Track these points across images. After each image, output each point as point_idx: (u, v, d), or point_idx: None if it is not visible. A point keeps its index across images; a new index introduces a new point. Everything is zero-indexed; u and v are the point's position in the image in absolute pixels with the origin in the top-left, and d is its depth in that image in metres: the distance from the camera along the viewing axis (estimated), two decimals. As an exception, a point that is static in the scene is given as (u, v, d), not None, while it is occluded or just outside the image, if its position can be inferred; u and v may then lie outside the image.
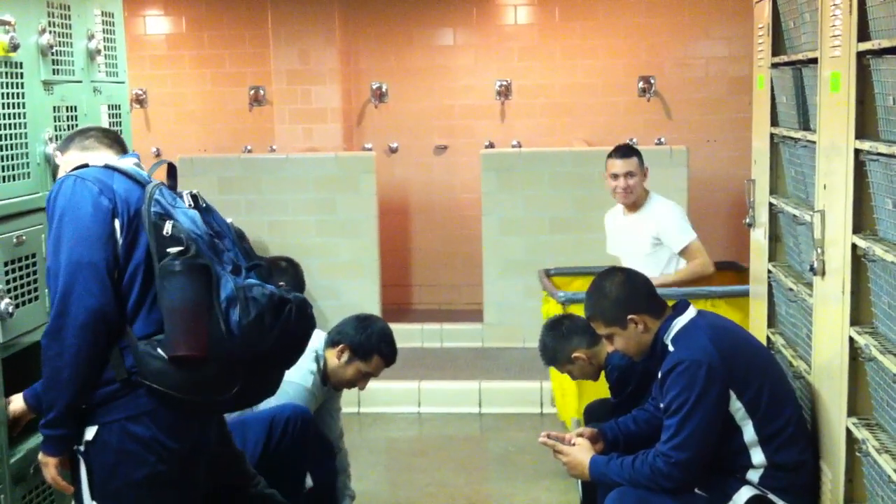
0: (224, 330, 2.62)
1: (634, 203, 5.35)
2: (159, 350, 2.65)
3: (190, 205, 2.79)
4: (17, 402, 3.07)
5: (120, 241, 2.71)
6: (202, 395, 2.73)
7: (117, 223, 2.71)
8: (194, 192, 2.86)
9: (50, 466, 2.79)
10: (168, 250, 2.61)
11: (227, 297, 2.64)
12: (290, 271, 4.51)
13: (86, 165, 2.82)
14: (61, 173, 2.95)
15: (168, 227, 2.65)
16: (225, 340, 2.63)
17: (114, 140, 3.03)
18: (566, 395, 5.20)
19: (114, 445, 2.73)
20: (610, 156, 5.32)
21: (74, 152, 2.97)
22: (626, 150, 5.32)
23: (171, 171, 2.92)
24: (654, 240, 5.29)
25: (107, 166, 2.81)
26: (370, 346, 3.96)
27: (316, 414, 4.00)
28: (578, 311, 4.88)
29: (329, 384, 4.06)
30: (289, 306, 2.73)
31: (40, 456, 2.81)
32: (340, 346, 3.94)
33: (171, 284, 2.61)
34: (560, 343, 4.20)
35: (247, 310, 2.64)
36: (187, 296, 2.61)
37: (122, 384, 2.72)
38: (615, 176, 5.26)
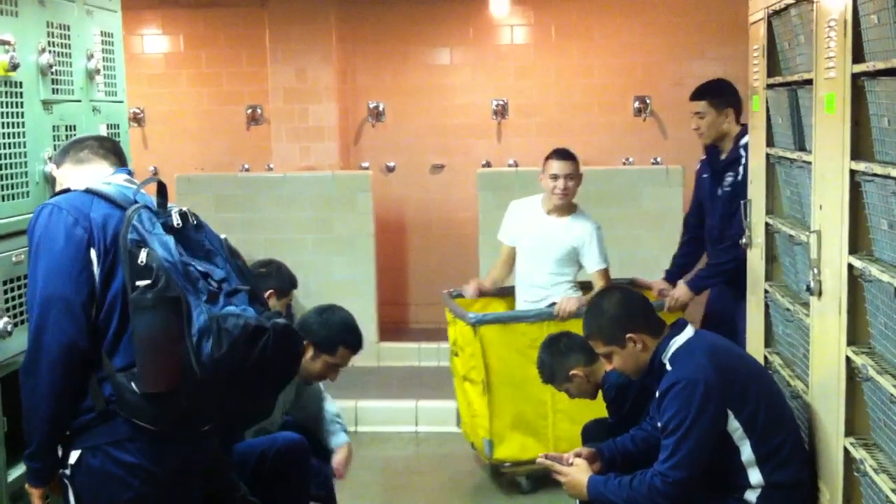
0: (195, 363, 2.56)
1: (565, 207, 5.34)
2: (133, 384, 2.61)
3: (178, 224, 2.72)
4: None
5: (97, 271, 2.67)
6: (178, 429, 2.71)
7: (93, 253, 2.67)
8: (184, 209, 2.80)
9: (35, 497, 2.79)
10: (137, 283, 2.56)
11: (199, 330, 2.57)
12: (273, 275, 4.39)
13: (68, 190, 2.79)
14: (58, 187, 2.94)
15: (143, 256, 2.58)
16: (196, 374, 2.56)
17: (109, 150, 2.98)
18: (476, 416, 5.18)
19: (97, 469, 2.72)
20: (551, 157, 5.30)
21: (69, 166, 2.94)
22: (568, 154, 5.31)
23: (161, 189, 2.85)
24: (572, 250, 5.27)
25: (88, 190, 2.76)
26: (333, 339, 3.96)
27: (305, 407, 3.99)
28: (489, 332, 5.00)
29: (299, 378, 4.01)
30: (266, 335, 2.65)
31: (27, 486, 2.81)
32: (304, 343, 3.90)
33: (141, 319, 2.56)
34: (558, 360, 4.20)
35: (219, 342, 2.57)
36: (157, 331, 2.55)
37: (101, 413, 2.70)
38: (555, 177, 5.23)
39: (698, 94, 5.07)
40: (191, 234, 2.76)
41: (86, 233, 2.67)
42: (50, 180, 3.05)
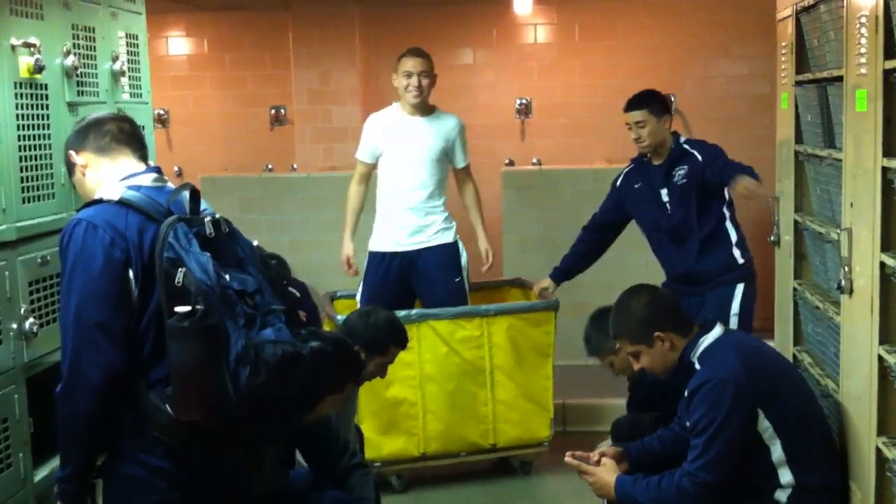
0: (232, 392, 2.50)
1: (425, 106, 5.28)
2: (167, 407, 2.56)
3: (210, 233, 2.64)
4: None
5: (135, 291, 2.61)
6: (207, 456, 2.68)
7: (131, 273, 2.60)
8: (217, 216, 2.72)
9: None
10: (176, 309, 2.48)
11: (236, 357, 2.51)
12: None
13: (100, 200, 2.69)
14: (79, 175, 2.82)
15: (179, 277, 2.50)
16: (232, 402, 2.51)
17: (130, 135, 2.85)
18: None
19: (124, 472, 2.69)
20: (405, 55, 5.29)
21: (91, 155, 2.81)
22: (421, 52, 5.30)
23: (194, 195, 2.74)
24: (442, 149, 5.23)
25: (122, 202, 2.66)
26: (383, 339, 4.01)
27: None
28: None
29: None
30: (302, 362, 2.62)
31: None
32: (355, 348, 3.92)
33: (179, 346, 2.49)
34: (604, 333, 4.10)
35: (257, 371, 2.52)
36: (194, 359, 2.48)
37: (131, 428, 2.67)
38: (409, 74, 5.18)
39: (636, 105, 4.99)
40: (223, 243, 2.68)
41: (123, 254, 2.60)
42: (67, 165, 2.86)
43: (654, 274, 5.03)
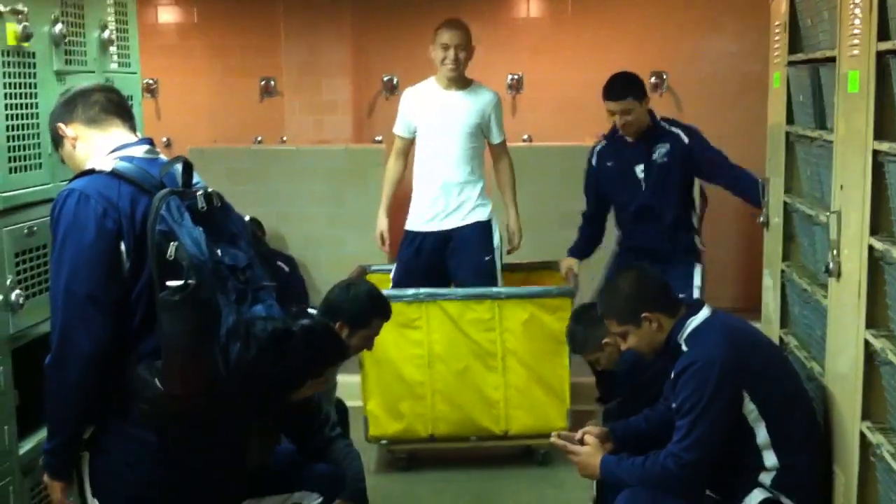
0: (222, 367, 2.50)
1: (461, 79, 5.24)
2: (157, 381, 2.55)
3: (203, 207, 2.61)
4: None
5: (126, 263, 2.58)
6: (193, 431, 2.66)
7: (122, 246, 2.58)
8: (210, 189, 2.69)
9: (57, 491, 2.73)
10: (168, 283, 2.46)
11: (227, 332, 2.51)
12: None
13: (91, 171, 2.65)
14: (69, 147, 2.76)
15: (171, 250, 2.48)
16: (222, 378, 2.51)
17: (118, 105, 2.81)
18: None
19: (110, 445, 2.68)
20: (442, 27, 5.27)
21: (81, 126, 2.75)
22: (460, 24, 5.29)
23: (187, 167, 2.73)
24: (476, 124, 5.20)
25: (114, 173, 2.63)
26: (366, 312, 3.99)
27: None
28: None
29: None
30: (293, 339, 2.63)
31: (45, 478, 2.74)
32: (338, 323, 3.91)
33: (170, 319, 2.47)
34: (589, 330, 4.13)
35: (247, 346, 2.52)
36: (186, 332, 2.47)
37: (118, 401, 2.65)
38: (446, 46, 5.14)
39: (622, 93, 4.99)
40: (215, 217, 2.65)
41: (115, 225, 2.57)
42: (54, 138, 2.80)
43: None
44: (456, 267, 5.23)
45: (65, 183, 3.24)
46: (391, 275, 5.37)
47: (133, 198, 2.60)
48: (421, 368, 4.99)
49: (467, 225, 5.20)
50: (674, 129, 4.96)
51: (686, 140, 4.90)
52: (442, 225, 5.21)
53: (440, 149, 5.18)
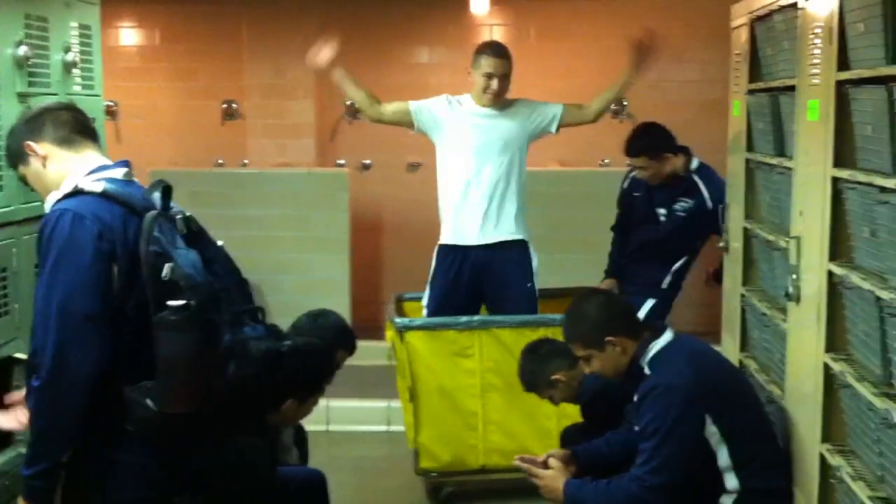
0: (221, 384, 2.53)
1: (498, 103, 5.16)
2: (148, 401, 2.52)
3: (183, 231, 2.62)
4: None
5: (116, 286, 2.56)
6: (182, 450, 2.66)
7: (115, 268, 2.56)
8: (188, 214, 2.70)
9: None
10: (168, 303, 2.45)
11: (224, 351, 2.54)
12: None
13: (80, 192, 2.61)
14: (37, 166, 2.71)
15: (167, 270, 2.48)
16: (220, 395, 2.53)
17: (84, 125, 2.79)
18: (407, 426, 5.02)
19: (90, 466, 2.63)
20: (484, 52, 5.24)
21: (52, 146, 2.71)
22: (504, 51, 5.26)
23: (166, 192, 2.70)
24: (529, 130, 5.17)
25: (104, 194, 2.61)
26: (330, 344, 3.91)
27: None
28: (415, 338, 4.78)
29: None
30: (283, 359, 2.68)
31: (23, 502, 2.63)
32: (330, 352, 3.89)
33: (170, 340, 2.46)
34: (539, 367, 4.11)
35: (241, 364, 2.56)
36: (187, 352, 2.47)
37: (105, 423, 2.61)
38: (489, 76, 5.11)
39: (635, 151, 5.19)
40: (193, 240, 2.66)
41: (111, 246, 2.55)
42: (16, 156, 2.73)
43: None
44: (496, 293, 5.11)
45: (28, 205, 3.21)
46: (423, 301, 5.22)
47: (124, 219, 2.59)
48: (473, 398, 4.84)
49: (506, 243, 5.08)
50: (702, 188, 5.10)
51: (710, 205, 5.04)
52: (478, 240, 5.07)
53: (475, 165, 5.05)
